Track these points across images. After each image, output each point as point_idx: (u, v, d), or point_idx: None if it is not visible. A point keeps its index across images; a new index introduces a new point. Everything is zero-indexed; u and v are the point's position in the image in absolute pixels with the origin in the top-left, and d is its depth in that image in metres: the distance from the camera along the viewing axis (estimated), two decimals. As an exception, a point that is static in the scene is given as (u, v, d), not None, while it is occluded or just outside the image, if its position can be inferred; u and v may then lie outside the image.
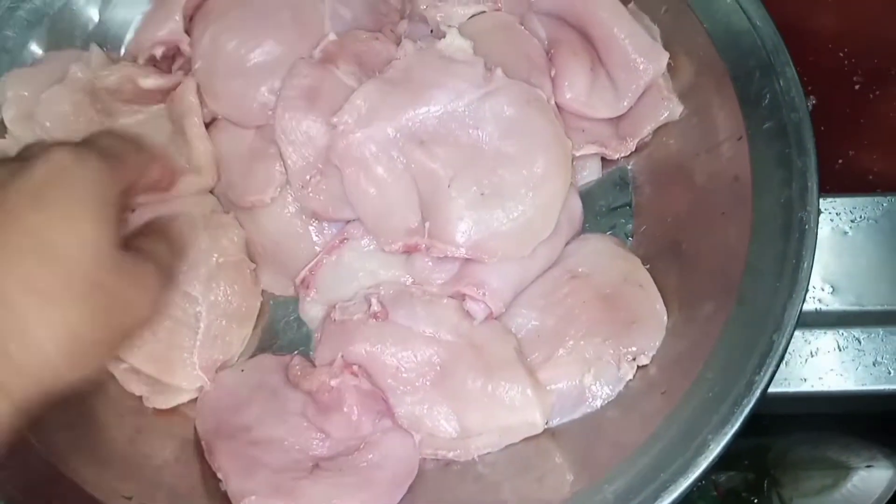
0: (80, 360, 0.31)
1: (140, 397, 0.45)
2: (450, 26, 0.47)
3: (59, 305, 0.29)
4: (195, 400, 0.45)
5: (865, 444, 0.58)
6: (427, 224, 0.43)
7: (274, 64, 0.46)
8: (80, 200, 0.31)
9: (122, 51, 0.52)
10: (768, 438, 0.61)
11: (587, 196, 0.49)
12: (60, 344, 0.29)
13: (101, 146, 0.34)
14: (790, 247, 0.40)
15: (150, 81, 0.47)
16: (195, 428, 0.44)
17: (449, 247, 0.43)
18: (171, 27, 0.47)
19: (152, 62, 0.49)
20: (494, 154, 0.43)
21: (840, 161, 0.58)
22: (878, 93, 0.61)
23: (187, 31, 0.48)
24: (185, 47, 0.47)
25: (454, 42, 0.44)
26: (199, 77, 0.47)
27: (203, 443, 0.43)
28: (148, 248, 0.35)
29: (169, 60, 0.49)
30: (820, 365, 0.46)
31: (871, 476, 0.56)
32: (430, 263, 0.45)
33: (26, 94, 0.46)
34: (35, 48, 0.50)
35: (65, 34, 0.50)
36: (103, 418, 0.44)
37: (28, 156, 0.32)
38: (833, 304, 0.47)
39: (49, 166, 0.31)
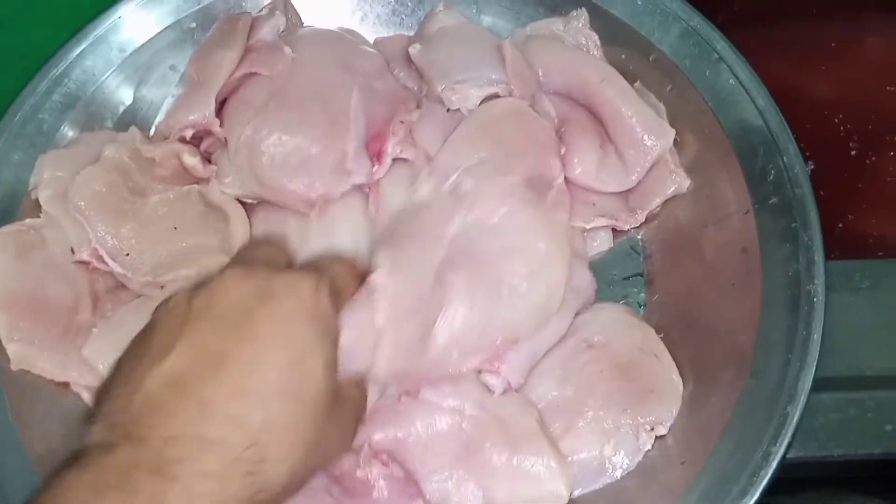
0: (296, 481, 0.34)
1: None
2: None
3: (297, 437, 0.33)
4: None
5: (870, 501, 0.59)
6: None
7: (307, 160, 0.48)
8: (318, 347, 0.35)
9: (153, 131, 0.54)
10: (771, 498, 0.61)
11: (599, 265, 0.51)
12: (291, 465, 0.33)
13: (331, 278, 0.38)
14: (800, 319, 0.42)
15: (194, 161, 0.49)
16: None
17: None
18: (205, 112, 0.49)
19: (182, 142, 0.50)
20: (496, 260, 0.45)
21: (840, 225, 0.60)
22: (874, 158, 0.63)
23: (218, 115, 0.50)
24: (216, 130, 0.49)
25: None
26: (239, 164, 0.49)
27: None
28: (346, 392, 0.39)
29: (197, 141, 0.51)
30: (821, 430, 0.47)
31: (872, 532, 0.57)
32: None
33: (61, 174, 0.48)
34: (69, 130, 0.51)
35: (97, 116, 0.53)
36: None
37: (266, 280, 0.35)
38: (835, 368, 0.48)
39: (293, 301, 0.35)
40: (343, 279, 0.40)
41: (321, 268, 0.38)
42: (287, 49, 0.51)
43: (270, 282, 0.35)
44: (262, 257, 0.40)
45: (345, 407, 0.38)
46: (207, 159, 0.50)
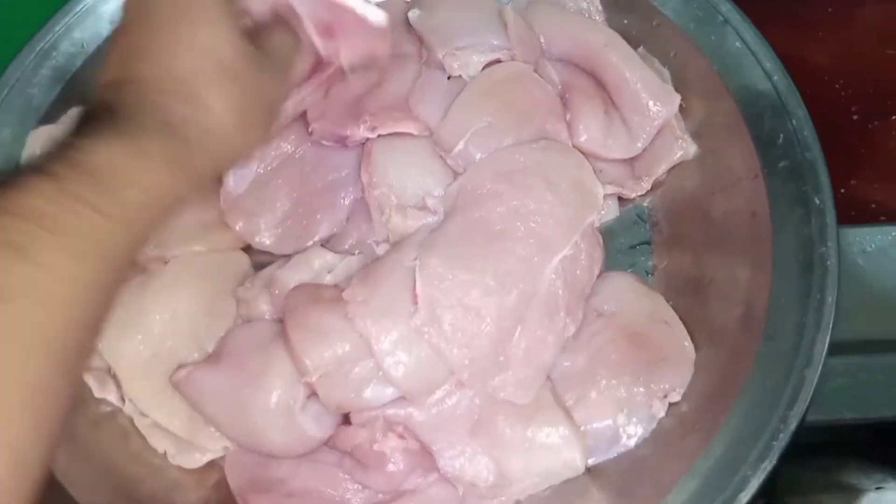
0: (246, 131, 0.35)
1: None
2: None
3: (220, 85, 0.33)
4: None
5: (877, 467, 0.59)
6: None
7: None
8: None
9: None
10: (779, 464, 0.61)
11: (606, 234, 0.50)
12: (231, 114, 0.34)
13: None
14: (813, 283, 0.41)
15: None
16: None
17: None
18: None
19: None
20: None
21: (842, 190, 0.59)
22: (876, 123, 0.63)
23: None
24: None
25: None
26: None
27: (238, 498, 0.43)
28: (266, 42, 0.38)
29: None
30: (832, 393, 0.46)
31: (880, 498, 0.57)
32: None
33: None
34: (59, 105, 0.50)
35: (88, 90, 0.51)
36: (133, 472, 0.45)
37: None
38: (844, 332, 0.47)
39: None
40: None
41: None
42: None
43: None
44: None
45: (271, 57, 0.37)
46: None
